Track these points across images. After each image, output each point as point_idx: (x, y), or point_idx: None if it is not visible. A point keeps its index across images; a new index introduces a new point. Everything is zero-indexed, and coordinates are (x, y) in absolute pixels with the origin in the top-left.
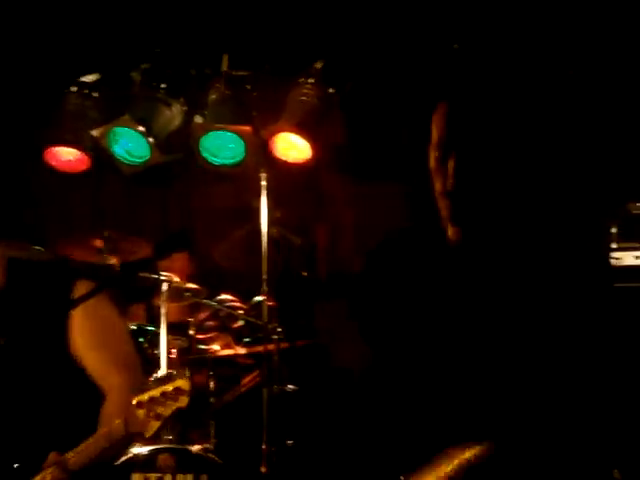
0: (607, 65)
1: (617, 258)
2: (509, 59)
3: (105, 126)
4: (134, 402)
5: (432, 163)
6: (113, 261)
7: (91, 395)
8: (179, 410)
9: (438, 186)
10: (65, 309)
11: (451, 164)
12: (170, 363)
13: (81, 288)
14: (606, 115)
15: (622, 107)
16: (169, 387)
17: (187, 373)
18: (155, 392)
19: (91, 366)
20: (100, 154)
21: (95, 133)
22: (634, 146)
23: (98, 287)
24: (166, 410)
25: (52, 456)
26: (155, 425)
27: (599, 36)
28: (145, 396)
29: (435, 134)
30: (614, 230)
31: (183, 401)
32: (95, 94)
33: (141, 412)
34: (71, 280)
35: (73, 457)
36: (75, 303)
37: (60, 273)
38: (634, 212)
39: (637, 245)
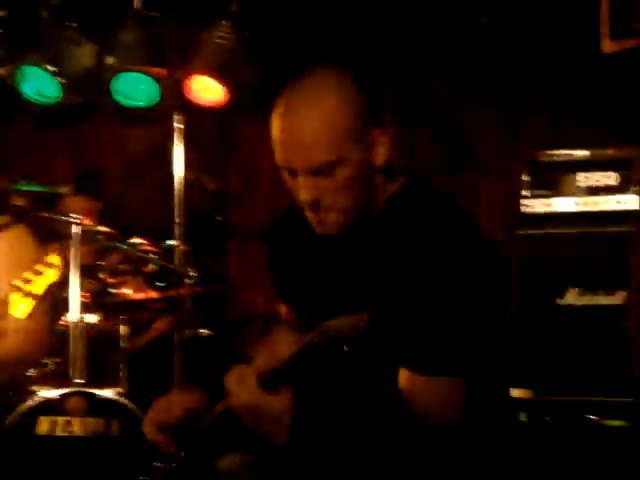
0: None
1: (528, 205)
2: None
3: (13, 64)
4: (11, 285)
5: (284, 177)
6: (20, 201)
7: None
8: (51, 286)
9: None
10: None
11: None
12: (82, 306)
13: None
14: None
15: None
16: (40, 265)
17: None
18: (28, 273)
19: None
20: (7, 93)
21: (2, 72)
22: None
23: (13, 219)
24: (38, 288)
25: None
26: (29, 304)
27: None
28: (19, 279)
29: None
30: (525, 178)
31: (53, 275)
32: (1, 31)
33: (17, 295)
34: None
35: None
36: None
37: None
38: (544, 160)
39: (547, 193)
